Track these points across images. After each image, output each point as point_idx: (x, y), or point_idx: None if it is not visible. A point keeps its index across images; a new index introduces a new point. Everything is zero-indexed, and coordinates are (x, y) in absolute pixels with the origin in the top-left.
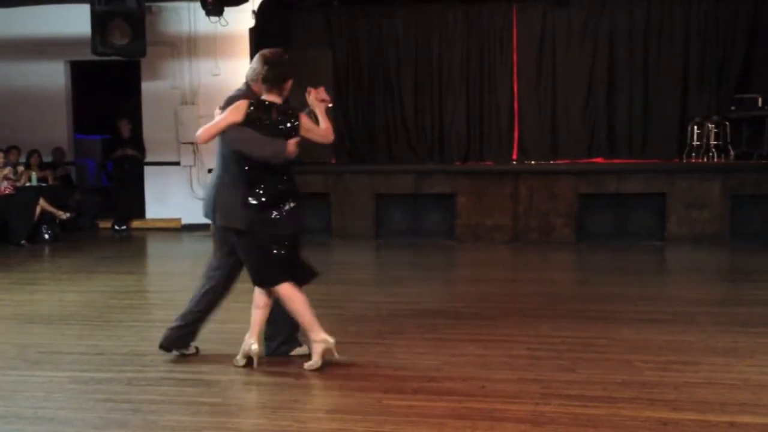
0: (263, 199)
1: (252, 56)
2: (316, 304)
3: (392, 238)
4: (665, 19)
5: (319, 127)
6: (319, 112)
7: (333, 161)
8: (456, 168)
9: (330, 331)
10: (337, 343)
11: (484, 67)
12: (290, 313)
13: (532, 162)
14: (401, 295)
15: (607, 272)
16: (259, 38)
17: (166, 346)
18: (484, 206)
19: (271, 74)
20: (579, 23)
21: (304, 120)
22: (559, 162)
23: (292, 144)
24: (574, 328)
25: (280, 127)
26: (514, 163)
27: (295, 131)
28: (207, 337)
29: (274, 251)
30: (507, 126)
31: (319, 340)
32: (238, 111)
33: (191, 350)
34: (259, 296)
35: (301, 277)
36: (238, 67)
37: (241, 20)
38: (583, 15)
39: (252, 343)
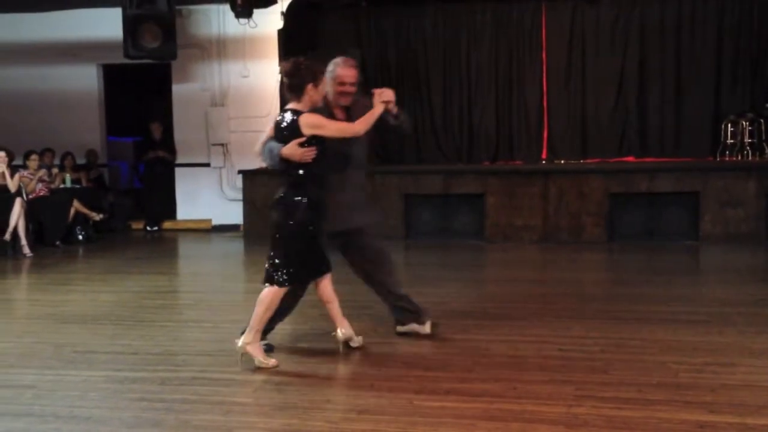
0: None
1: (281, 58)
2: (345, 305)
3: (421, 238)
4: (697, 14)
5: (334, 122)
6: (375, 109)
7: None
8: (485, 168)
9: (361, 332)
10: (367, 343)
11: (513, 66)
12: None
13: (562, 161)
14: (431, 296)
15: (638, 272)
16: (287, 40)
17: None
18: (513, 206)
19: (289, 85)
20: (609, 20)
21: (310, 119)
22: (589, 161)
23: (286, 148)
24: (606, 328)
25: (284, 132)
26: (544, 162)
27: (294, 133)
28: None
29: None
30: (536, 125)
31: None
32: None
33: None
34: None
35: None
36: (267, 69)
37: (269, 22)
38: (613, 12)
39: (342, 331)
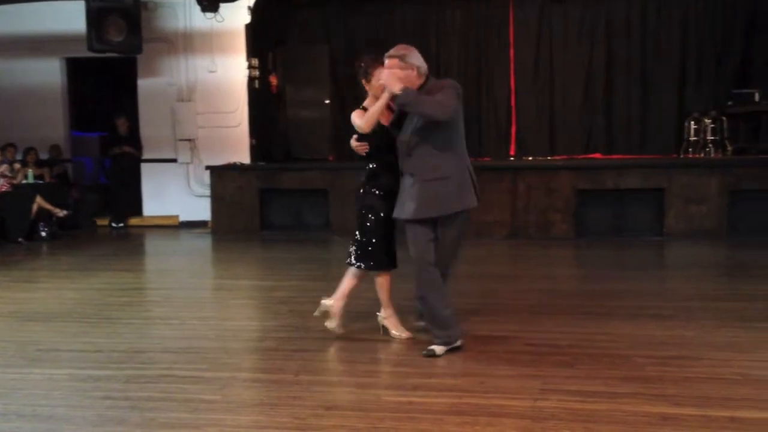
0: None
1: (248, 52)
2: (315, 300)
3: None
4: (662, 13)
5: (359, 117)
6: (378, 103)
7: (331, 158)
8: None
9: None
10: (337, 339)
11: (481, 63)
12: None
13: (530, 158)
14: (401, 292)
15: (606, 268)
16: (255, 34)
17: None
18: (482, 202)
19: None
20: (576, 19)
21: (352, 116)
22: (556, 158)
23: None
24: (574, 323)
25: None
26: (512, 159)
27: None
28: (205, 335)
29: None
30: (505, 122)
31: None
32: None
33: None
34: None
35: None
36: (235, 64)
37: (236, 16)
38: (579, 11)
39: (327, 302)
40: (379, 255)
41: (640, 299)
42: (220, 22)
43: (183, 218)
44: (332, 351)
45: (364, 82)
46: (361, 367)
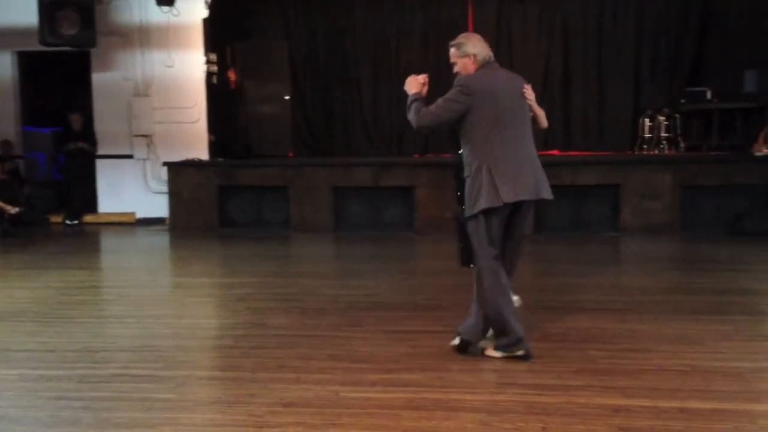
0: None
1: (206, 47)
2: (274, 297)
3: (351, 230)
4: (618, 13)
5: None
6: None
7: (291, 154)
8: (415, 160)
9: (289, 325)
10: (294, 336)
11: (441, 61)
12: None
13: None
14: (360, 288)
15: (563, 263)
16: (213, 29)
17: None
18: (442, 198)
19: None
20: (534, 18)
21: None
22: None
23: None
24: (531, 317)
25: None
26: None
27: None
28: (161, 333)
29: None
30: None
31: None
32: None
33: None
34: None
35: None
36: (193, 59)
37: (193, 10)
38: (538, 10)
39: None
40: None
41: (596, 293)
42: (176, 16)
43: (140, 215)
44: (290, 348)
45: None
46: (319, 363)
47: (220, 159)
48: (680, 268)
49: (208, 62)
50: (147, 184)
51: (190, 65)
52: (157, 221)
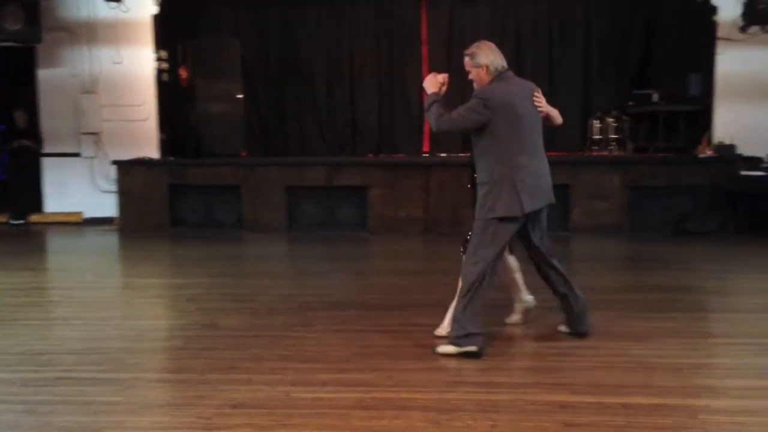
0: None
1: (156, 44)
2: (225, 298)
3: (305, 230)
4: (567, 15)
5: None
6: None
7: (244, 154)
8: (368, 160)
9: (240, 326)
10: (245, 337)
11: (394, 60)
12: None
13: (443, 154)
14: (313, 288)
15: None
16: (162, 26)
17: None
18: (396, 198)
19: None
20: (486, 19)
21: None
22: (468, 154)
23: None
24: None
25: None
26: (426, 155)
27: None
28: (108, 335)
29: None
30: (418, 119)
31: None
32: None
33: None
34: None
35: None
36: (142, 56)
37: (142, 7)
38: (490, 11)
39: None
40: None
41: (546, 293)
42: (125, 12)
43: (87, 215)
44: (241, 349)
45: None
46: (270, 364)
47: (171, 158)
48: (628, 267)
49: (159, 59)
50: (95, 183)
51: (139, 62)
52: (106, 221)
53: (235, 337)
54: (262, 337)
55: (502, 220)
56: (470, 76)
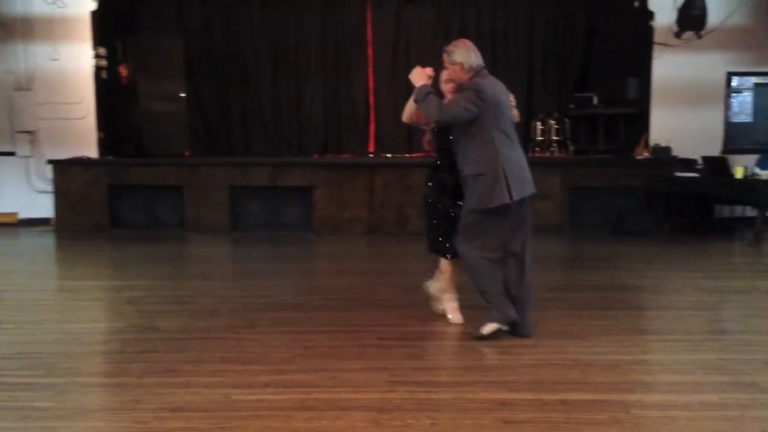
0: None
1: (94, 41)
2: (165, 300)
3: (249, 231)
4: (511, 19)
5: None
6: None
7: (187, 153)
8: (312, 160)
9: (180, 328)
10: (185, 339)
11: (340, 61)
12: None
13: (388, 155)
14: (256, 289)
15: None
16: (102, 22)
17: None
18: (341, 199)
19: None
20: (431, 20)
21: None
22: (413, 155)
23: None
24: (425, 316)
25: None
26: (371, 156)
27: None
28: (43, 339)
29: None
30: (364, 119)
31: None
32: None
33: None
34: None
35: None
36: (80, 52)
37: (81, 2)
38: (435, 13)
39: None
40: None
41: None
42: (62, 8)
43: (23, 215)
44: (180, 351)
45: None
46: (210, 366)
47: (110, 157)
48: (567, 267)
49: (97, 56)
50: (30, 183)
51: (77, 59)
52: (42, 222)
53: (175, 339)
54: (202, 339)
55: (492, 210)
56: (447, 73)
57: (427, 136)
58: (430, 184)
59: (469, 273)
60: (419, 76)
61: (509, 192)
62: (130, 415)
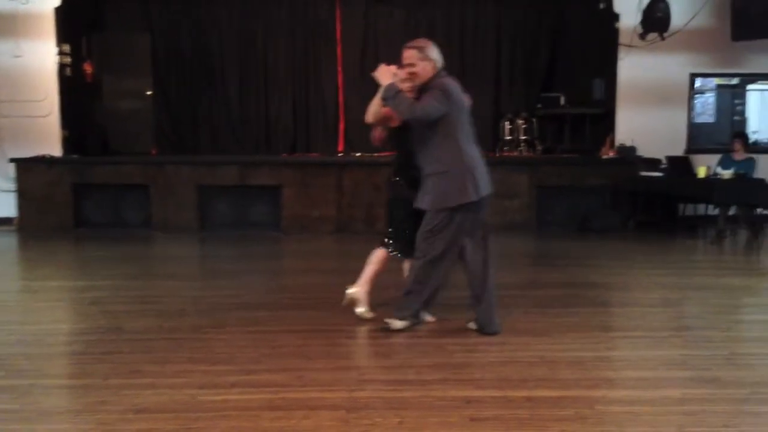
0: None
1: (58, 38)
2: (131, 300)
3: (217, 230)
4: (479, 20)
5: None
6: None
7: (154, 152)
8: (281, 159)
9: (145, 328)
10: (151, 340)
11: (309, 60)
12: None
13: (358, 154)
14: (224, 288)
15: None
16: (66, 18)
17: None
18: (309, 198)
19: None
20: (400, 20)
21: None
22: (382, 154)
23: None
24: (392, 314)
25: None
26: (340, 155)
27: None
28: (5, 340)
29: None
30: (333, 118)
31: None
32: None
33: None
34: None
35: None
36: (44, 49)
37: None
38: (404, 12)
39: (353, 290)
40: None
41: (454, 290)
42: (24, 4)
43: None
44: (146, 352)
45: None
46: (176, 367)
47: (75, 156)
48: (534, 264)
49: (61, 53)
50: None
51: (41, 56)
52: (4, 221)
53: (140, 340)
54: (168, 339)
55: (457, 208)
56: (414, 69)
57: (378, 132)
58: (397, 180)
59: (423, 269)
60: (385, 74)
61: (476, 189)
62: (94, 417)
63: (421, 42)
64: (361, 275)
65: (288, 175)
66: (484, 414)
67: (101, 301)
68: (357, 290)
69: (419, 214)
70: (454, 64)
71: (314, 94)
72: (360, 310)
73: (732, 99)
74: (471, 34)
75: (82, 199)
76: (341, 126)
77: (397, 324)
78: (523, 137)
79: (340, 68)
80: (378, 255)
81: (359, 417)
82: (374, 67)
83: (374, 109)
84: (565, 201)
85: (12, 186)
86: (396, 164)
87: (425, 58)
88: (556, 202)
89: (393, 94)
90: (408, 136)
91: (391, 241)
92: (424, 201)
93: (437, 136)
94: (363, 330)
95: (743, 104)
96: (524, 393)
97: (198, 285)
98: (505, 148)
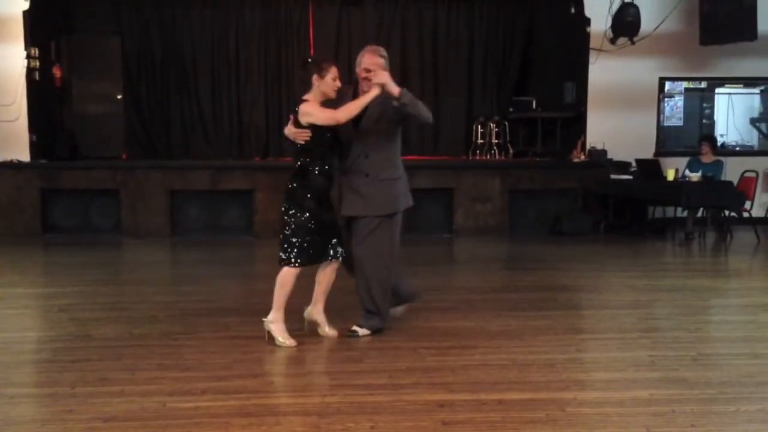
0: None
1: (27, 41)
2: (100, 307)
3: (188, 235)
4: (452, 24)
5: (322, 110)
6: (366, 95)
7: (124, 156)
8: (253, 164)
9: (116, 335)
10: (120, 347)
11: (282, 62)
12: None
13: None
14: (195, 294)
15: (400, 264)
16: (35, 22)
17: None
18: (272, 203)
19: (301, 79)
20: (373, 23)
21: (303, 107)
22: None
23: (286, 129)
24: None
25: (295, 122)
26: None
27: (297, 121)
28: None
29: None
30: None
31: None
32: None
33: None
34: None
35: None
36: (12, 53)
37: (12, 1)
38: (377, 15)
39: (308, 309)
40: (302, 253)
41: (427, 293)
42: None
43: None
44: (115, 359)
45: (316, 77)
46: (146, 374)
47: (43, 160)
48: (506, 268)
49: (29, 57)
50: None
51: (9, 60)
52: None
53: (110, 347)
54: (138, 346)
55: (396, 213)
56: (378, 76)
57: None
58: (307, 194)
59: (377, 279)
60: (387, 78)
61: (409, 195)
62: (62, 426)
63: (381, 49)
64: (314, 295)
65: (261, 179)
66: (456, 417)
67: (70, 308)
68: (309, 310)
69: (323, 222)
70: (427, 66)
71: (287, 97)
72: (323, 332)
73: (700, 102)
74: (444, 37)
75: (50, 204)
76: None
77: (366, 332)
78: (495, 141)
79: None
80: (324, 273)
81: (331, 422)
82: (347, 70)
83: (355, 111)
84: (537, 204)
85: None
86: (301, 170)
87: (386, 67)
88: (528, 206)
89: (411, 98)
90: (323, 138)
91: (294, 252)
92: (367, 207)
93: (396, 143)
94: (334, 335)
95: (711, 108)
96: (496, 396)
97: (168, 291)
98: (478, 152)
